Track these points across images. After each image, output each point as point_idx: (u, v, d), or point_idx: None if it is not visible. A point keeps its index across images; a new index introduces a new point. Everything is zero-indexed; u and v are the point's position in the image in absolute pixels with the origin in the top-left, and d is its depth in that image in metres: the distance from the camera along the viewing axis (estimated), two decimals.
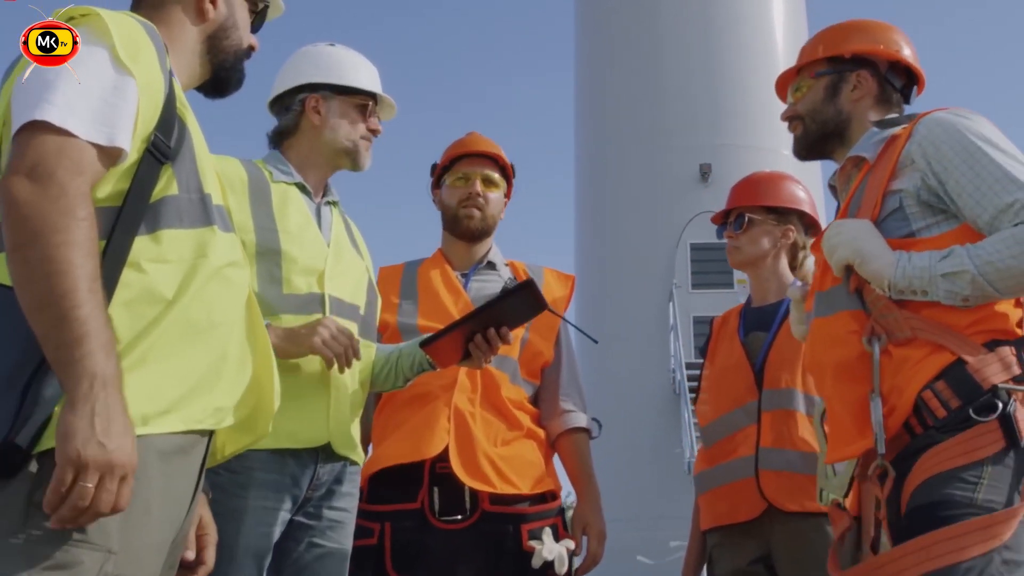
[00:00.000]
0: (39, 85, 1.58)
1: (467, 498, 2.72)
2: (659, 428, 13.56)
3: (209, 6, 1.92)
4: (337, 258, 2.52)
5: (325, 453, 2.39)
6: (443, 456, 2.72)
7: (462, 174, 3.03)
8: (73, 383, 1.42)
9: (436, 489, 2.72)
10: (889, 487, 2.05)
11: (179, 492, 1.66)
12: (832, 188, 2.43)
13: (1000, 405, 1.94)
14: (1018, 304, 2.05)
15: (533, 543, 2.70)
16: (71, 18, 1.68)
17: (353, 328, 2.45)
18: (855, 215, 2.18)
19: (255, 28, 2.07)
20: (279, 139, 2.65)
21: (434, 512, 2.71)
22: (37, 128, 1.53)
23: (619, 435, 13.59)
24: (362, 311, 2.56)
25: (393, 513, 2.71)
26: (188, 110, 1.80)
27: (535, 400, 2.99)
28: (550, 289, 3.05)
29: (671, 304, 13.93)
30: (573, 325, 2.99)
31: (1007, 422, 1.93)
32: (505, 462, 2.76)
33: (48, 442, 1.45)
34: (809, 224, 3.17)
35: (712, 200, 14.48)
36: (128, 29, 1.69)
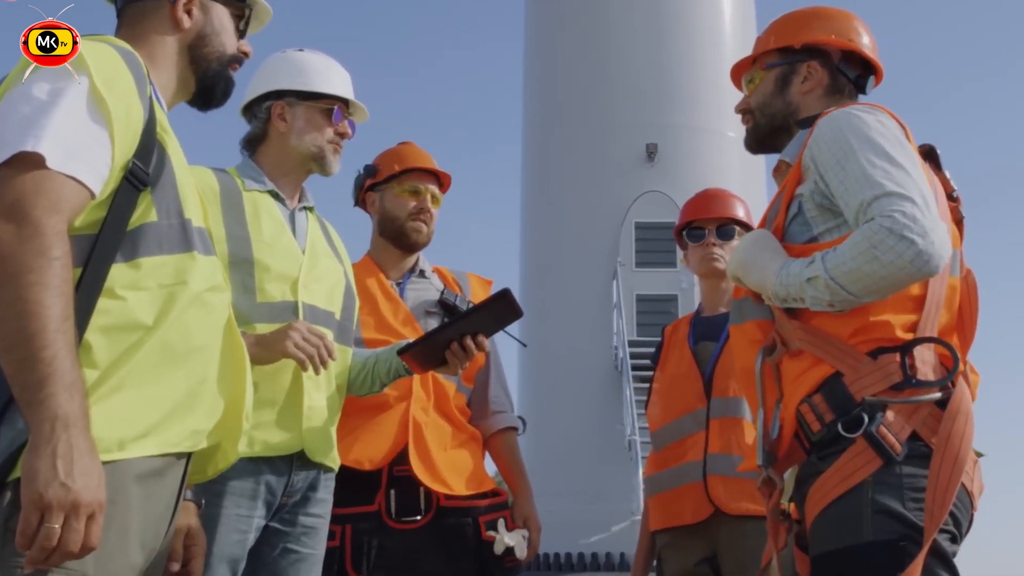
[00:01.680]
0: (17, 117, 1.59)
1: (422, 499, 2.83)
2: (601, 404, 13.68)
3: (183, 15, 1.92)
4: (312, 264, 2.54)
5: (300, 460, 2.43)
6: (399, 460, 2.82)
7: (411, 187, 3.09)
8: (36, 424, 1.45)
9: (393, 492, 2.82)
10: (776, 498, 2.07)
11: (157, 512, 1.69)
12: None
13: (865, 420, 1.89)
14: (914, 309, 1.98)
15: (492, 532, 2.84)
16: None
17: (329, 335, 2.48)
18: (771, 220, 2.17)
19: (243, 33, 2.07)
20: (250, 146, 2.67)
21: (391, 514, 2.81)
22: (15, 163, 1.55)
23: (561, 411, 13.71)
24: (338, 316, 2.59)
25: (352, 516, 2.80)
26: (169, 135, 1.81)
27: (470, 403, 3.10)
28: (475, 293, 3.16)
29: (615, 282, 14.04)
30: (508, 333, 3.02)
31: (872, 438, 1.88)
32: (453, 467, 2.88)
33: (19, 471, 1.48)
34: None
35: (657, 179, 14.61)
36: (105, 59, 1.69)
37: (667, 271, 14.42)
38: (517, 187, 16.88)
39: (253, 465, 2.34)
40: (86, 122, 1.63)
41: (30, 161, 1.55)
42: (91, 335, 1.59)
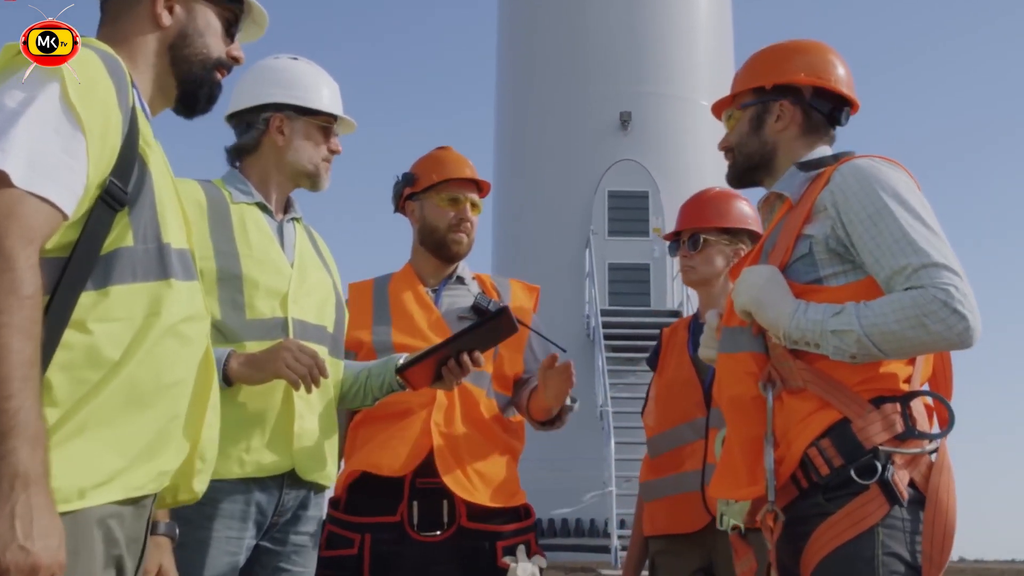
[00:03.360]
0: None
1: (445, 513, 2.79)
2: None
3: (164, 12, 1.80)
4: (301, 278, 2.50)
5: (291, 479, 2.40)
6: (423, 471, 2.77)
7: (451, 196, 3.03)
8: None
9: (416, 504, 2.78)
10: (779, 531, 2.12)
11: (122, 554, 1.61)
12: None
13: (879, 468, 1.99)
14: (911, 362, 2.07)
15: (507, 559, 2.78)
16: (20, 52, 1.57)
17: (323, 351, 2.45)
18: (769, 253, 2.21)
19: (233, 37, 1.93)
20: (238, 155, 2.61)
21: (413, 526, 2.77)
22: None
23: None
24: (330, 330, 2.55)
25: (373, 525, 2.77)
26: (152, 148, 1.69)
27: (506, 408, 3.02)
28: (517, 299, 3.10)
29: (588, 251, 14.03)
30: (541, 335, 3.04)
31: (886, 486, 1.98)
32: (481, 477, 2.82)
33: None
34: (757, 240, 3.23)
35: (631, 148, 14.60)
36: (82, 67, 1.57)
37: (640, 240, 14.45)
38: (490, 156, 16.82)
39: (244, 486, 2.31)
40: (59, 136, 1.51)
41: (1, 177, 1.44)
42: (52, 372, 1.49)
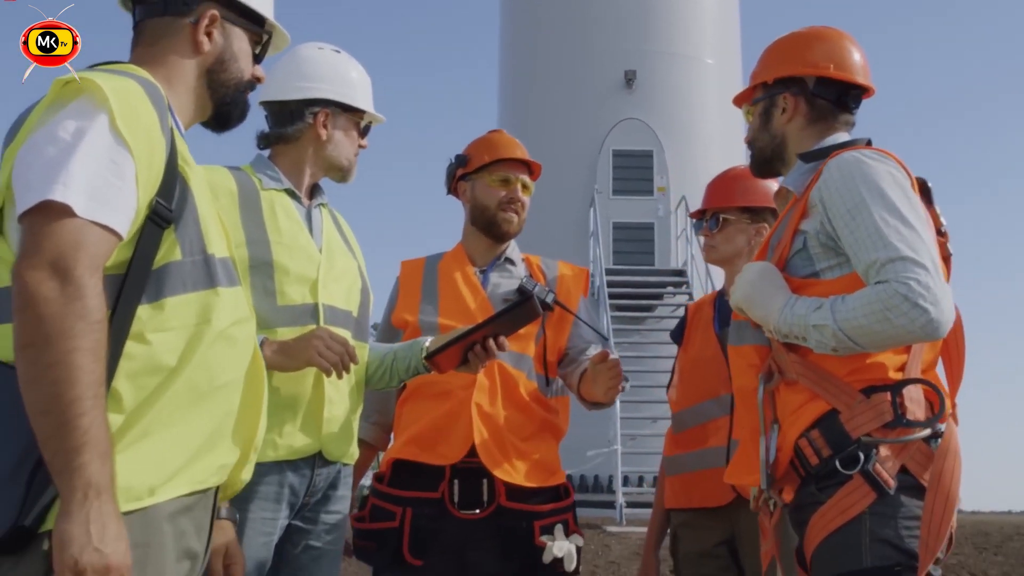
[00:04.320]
0: (43, 161, 1.57)
1: (485, 492, 2.85)
2: None
3: (204, 38, 1.89)
4: (330, 264, 2.55)
5: (321, 459, 2.48)
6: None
7: (502, 177, 3.07)
8: (69, 491, 1.47)
9: (456, 481, 2.84)
10: (777, 517, 2.21)
11: (192, 545, 1.73)
12: None
13: (862, 458, 2.03)
14: (904, 350, 2.11)
15: (545, 538, 2.83)
16: (68, 82, 1.65)
17: (347, 335, 2.50)
18: (774, 247, 2.27)
19: (259, 59, 2.04)
20: (271, 142, 2.65)
21: (453, 503, 2.84)
22: (52, 212, 1.53)
23: None
24: (355, 314, 2.61)
25: (415, 500, 2.83)
26: (190, 165, 1.78)
27: (548, 388, 3.05)
28: (564, 282, 3.13)
29: (592, 210, 14.02)
30: (583, 321, 3.06)
31: (869, 475, 2.02)
32: (522, 456, 2.88)
33: (53, 523, 1.50)
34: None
35: (635, 107, 14.53)
36: (126, 97, 1.66)
37: (644, 199, 14.44)
38: (494, 115, 16.75)
39: (277, 468, 2.38)
40: (111, 164, 1.60)
41: (62, 210, 1.53)
42: (118, 382, 1.60)
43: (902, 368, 2.10)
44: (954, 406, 2.17)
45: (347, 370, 2.38)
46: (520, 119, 15.49)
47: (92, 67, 1.77)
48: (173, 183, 1.71)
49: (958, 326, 2.22)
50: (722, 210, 3.20)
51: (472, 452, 2.82)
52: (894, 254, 2.01)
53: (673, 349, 11.67)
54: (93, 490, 1.47)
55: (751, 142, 2.48)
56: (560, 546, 2.83)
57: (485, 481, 2.84)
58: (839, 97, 2.38)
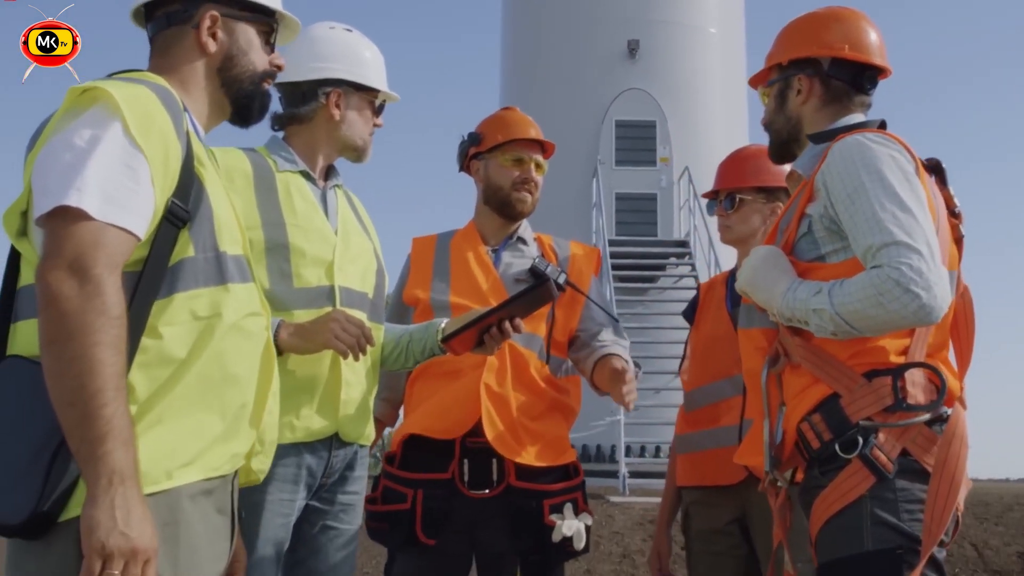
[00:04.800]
0: (60, 166, 1.64)
1: (494, 472, 2.86)
2: None
3: (208, 39, 1.95)
4: (345, 246, 2.56)
5: (338, 441, 2.49)
6: (473, 431, 2.85)
7: (515, 156, 3.07)
8: (94, 478, 1.53)
9: (466, 462, 2.86)
10: (782, 499, 2.23)
11: (218, 526, 1.80)
12: None
13: (860, 442, 2.04)
14: (907, 334, 2.10)
15: (554, 517, 2.85)
16: (84, 91, 1.71)
17: (363, 317, 2.51)
18: (783, 231, 2.27)
19: (273, 47, 2.08)
20: (285, 123, 2.65)
21: (464, 483, 2.86)
22: (69, 216, 1.60)
23: None
24: (371, 296, 2.61)
25: (425, 481, 2.85)
26: (206, 166, 1.84)
27: (557, 372, 3.07)
28: (575, 260, 3.14)
29: (595, 180, 13.98)
30: (594, 302, 3.07)
31: (867, 459, 2.03)
32: (531, 436, 2.89)
33: (74, 510, 1.58)
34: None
35: (639, 77, 14.45)
36: (140, 104, 1.72)
37: (647, 169, 14.39)
38: (496, 85, 16.68)
39: (295, 450, 2.40)
40: (125, 169, 1.66)
41: (79, 214, 1.60)
42: (132, 374, 1.66)
43: (904, 351, 2.10)
44: (962, 389, 2.17)
45: (364, 352, 2.39)
46: (523, 89, 15.42)
47: (111, 76, 1.84)
48: (189, 184, 1.77)
49: (968, 307, 2.22)
50: (737, 190, 3.19)
51: (480, 431, 2.83)
52: (888, 239, 2.01)
53: (676, 320, 11.68)
54: (117, 476, 1.54)
55: (768, 124, 2.47)
56: (569, 525, 2.85)
57: (495, 461, 2.86)
58: (854, 78, 2.36)
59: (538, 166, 3.10)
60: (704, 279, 13.17)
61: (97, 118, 1.68)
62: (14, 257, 1.76)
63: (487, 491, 2.86)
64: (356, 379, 2.52)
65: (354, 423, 2.51)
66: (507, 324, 2.55)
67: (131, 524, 1.53)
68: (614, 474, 11.37)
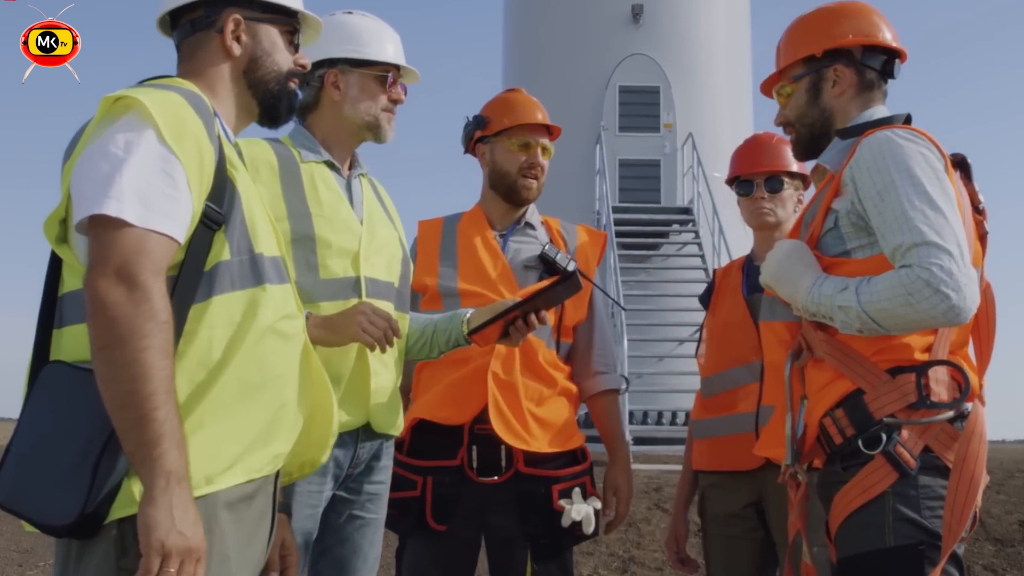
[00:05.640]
0: (97, 174, 1.67)
1: (503, 457, 2.88)
2: None
3: (233, 43, 1.99)
4: (371, 236, 2.54)
5: (366, 432, 2.50)
6: (481, 417, 2.86)
7: (522, 141, 3.06)
8: (151, 479, 1.59)
9: (475, 448, 2.88)
10: (803, 492, 2.24)
11: (253, 532, 1.83)
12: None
13: (884, 439, 2.06)
14: (931, 331, 2.10)
15: (563, 502, 2.88)
16: (117, 99, 1.73)
17: (389, 307, 2.51)
18: (807, 224, 2.27)
19: (298, 47, 2.11)
20: (301, 113, 2.63)
21: (472, 469, 2.88)
22: (111, 225, 1.64)
23: None
24: (397, 285, 2.60)
25: (434, 468, 2.87)
26: (237, 168, 1.87)
27: (567, 357, 3.09)
28: (583, 247, 3.14)
29: (598, 147, 13.92)
30: (603, 291, 3.09)
31: (890, 456, 2.05)
32: (540, 423, 2.91)
33: (121, 510, 1.63)
34: (808, 183, 3.24)
35: (642, 42, 14.36)
36: (172, 109, 1.75)
37: (650, 136, 14.33)
38: (499, 50, 16.58)
39: None
40: (162, 175, 1.69)
41: (121, 222, 1.63)
42: None
43: (928, 349, 2.11)
44: (981, 386, 2.18)
45: (391, 344, 2.39)
46: (527, 54, 15.34)
47: (141, 83, 1.87)
48: (223, 187, 1.80)
49: (990, 304, 2.22)
50: (781, 173, 3.17)
51: (488, 418, 2.84)
52: (919, 238, 2.00)
53: (680, 287, 11.71)
54: (174, 477, 1.59)
55: (795, 121, 2.42)
56: (579, 509, 2.88)
57: (503, 447, 2.87)
58: (884, 65, 2.36)
59: (544, 150, 3.09)
60: (708, 246, 13.22)
61: (131, 125, 1.71)
62: (54, 264, 1.79)
63: (496, 477, 2.88)
64: (384, 369, 2.52)
65: (386, 413, 2.52)
66: (532, 316, 2.55)
67: (187, 524, 1.59)
68: None
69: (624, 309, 3.05)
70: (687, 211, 13.94)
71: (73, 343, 1.70)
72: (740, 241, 12.78)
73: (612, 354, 3.22)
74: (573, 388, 3.06)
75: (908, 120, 2.32)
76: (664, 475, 8.41)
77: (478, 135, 3.13)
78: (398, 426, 2.60)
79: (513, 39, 16.01)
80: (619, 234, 12.99)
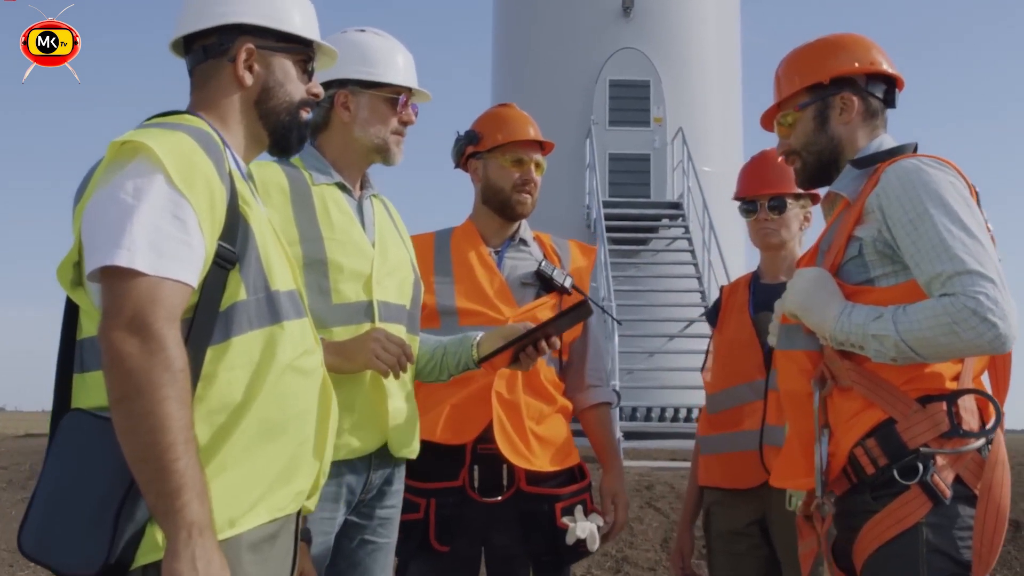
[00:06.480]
0: (108, 221, 1.65)
1: (504, 477, 2.89)
2: None
3: (245, 73, 1.96)
4: (383, 259, 2.52)
5: (378, 457, 2.48)
6: (483, 437, 2.86)
7: (515, 157, 3.05)
8: (174, 531, 1.58)
9: (477, 468, 2.88)
10: (828, 523, 2.22)
11: (277, 571, 1.83)
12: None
13: (920, 469, 2.05)
14: (959, 360, 2.10)
15: (566, 520, 2.89)
16: (124, 143, 1.71)
17: (401, 330, 2.50)
18: (824, 252, 2.27)
19: (311, 75, 2.08)
20: (313, 133, 2.60)
21: (475, 490, 2.88)
22: (125, 275, 1.62)
23: None
24: (408, 307, 2.59)
25: (437, 491, 2.87)
26: (250, 205, 1.85)
27: (560, 370, 3.11)
28: (575, 262, 3.15)
29: (588, 141, 13.89)
30: (599, 306, 3.07)
31: (927, 486, 2.04)
32: (540, 441, 2.92)
33: (145, 556, 1.62)
34: (816, 201, 3.26)
35: (633, 36, 14.32)
36: (180, 151, 1.73)
37: (641, 130, 14.30)
38: (489, 44, 16.50)
39: (335, 468, 2.36)
40: (173, 220, 1.68)
41: (133, 272, 1.62)
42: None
43: (956, 377, 2.12)
44: (1002, 414, 2.18)
45: (404, 370, 2.38)
46: (517, 48, 15.29)
47: (150, 119, 1.85)
48: (235, 225, 1.79)
49: None
50: (785, 195, 3.18)
51: (490, 437, 2.85)
52: (960, 267, 2.00)
53: (669, 283, 11.70)
54: (196, 528, 1.58)
55: (800, 150, 2.41)
56: (583, 527, 2.90)
57: (505, 467, 2.88)
58: (886, 94, 2.38)
59: (538, 165, 3.08)
60: (697, 241, 13.20)
61: (140, 171, 1.69)
62: (70, 308, 1.78)
63: (499, 497, 2.88)
64: (398, 389, 2.50)
65: (402, 435, 2.51)
66: (543, 342, 2.55)
67: (212, 575, 1.58)
68: None
69: (619, 323, 3.10)
70: (677, 206, 13.92)
71: (98, 390, 1.68)
72: (730, 236, 12.77)
73: (605, 368, 3.25)
74: (569, 405, 3.07)
75: (915, 149, 2.32)
76: (655, 472, 8.42)
77: (470, 151, 3.11)
78: (414, 448, 2.59)
79: (503, 33, 15.95)
80: (609, 228, 12.97)
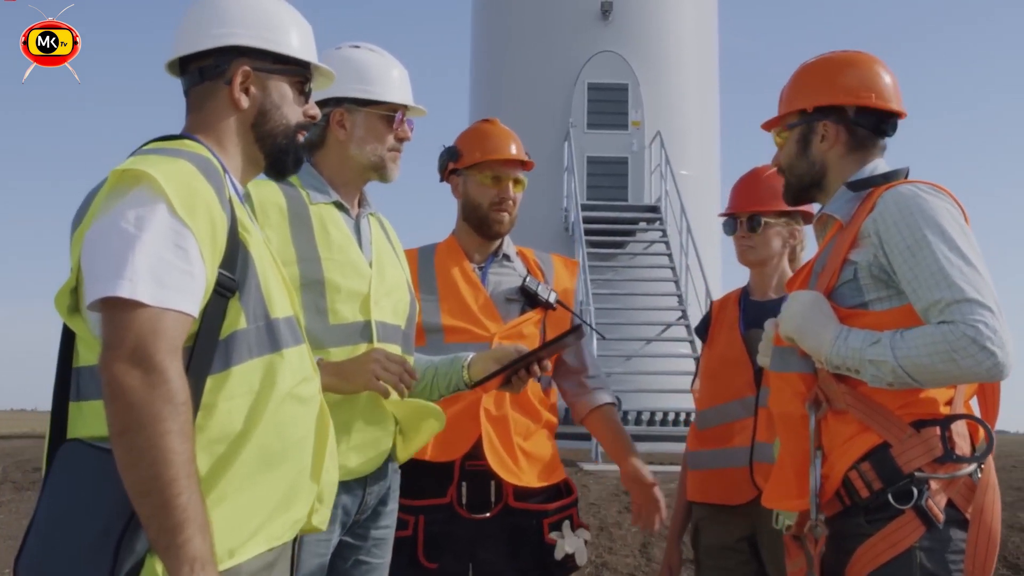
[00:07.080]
0: (109, 251, 1.63)
1: (492, 494, 2.90)
2: None
3: (241, 95, 1.94)
4: (380, 278, 2.51)
5: (374, 477, 2.48)
6: (471, 454, 2.87)
7: (494, 175, 3.04)
8: (176, 567, 1.56)
9: (465, 484, 2.88)
10: (822, 545, 2.23)
11: None
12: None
13: (915, 493, 2.07)
14: (953, 385, 2.12)
15: (554, 535, 2.91)
16: (125, 171, 1.69)
17: (396, 350, 2.48)
18: (818, 274, 2.28)
19: (308, 97, 2.06)
20: (309, 151, 2.57)
21: (463, 506, 2.89)
22: (126, 306, 1.60)
23: None
24: (403, 328, 2.58)
25: (426, 508, 2.88)
26: (250, 231, 1.83)
27: (547, 387, 3.12)
28: (560, 278, 3.15)
29: (566, 144, 13.89)
30: (585, 322, 3.08)
31: (921, 510, 2.06)
32: (528, 457, 2.94)
33: None
34: (809, 220, 3.26)
35: (611, 39, 14.33)
36: (182, 179, 1.71)
37: (619, 133, 14.33)
38: (467, 46, 16.48)
39: None
40: (175, 249, 1.66)
41: (134, 304, 1.60)
42: None
43: (949, 402, 2.14)
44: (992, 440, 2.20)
45: (409, 388, 2.38)
46: (495, 51, 15.28)
47: (148, 143, 1.83)
48: (236, 253, 1.77)
49: None
50: (761, 213, 3.19)
51: (478, 454, 2.86)
52: (959, 295, 2.01)
53: (646, 286, 11.69)
54: (199, 564, 1.57)
55: (786, 167, 2.45)
56: (571, 542, 2.92)
57: (493, 483, 2.89)
58: (877, 125, 2.37)
59: (516, 183, 3.07)
60: (675, 245, 13.22)
61: (142, 200, 1.67)
62: (67, 335, 1.76)
63: (487, 513, 2.89)
64: (395, 395, 2.48)
65: (409, 447, 2.53)
66: (535, 366, 2.57)
67: None
68: (586, 437, 11.38)
69: (604, 338, 3.13)
70: (655, 209, 13.95)
71: (96, 419, 1.67)
72: (707, 240, 12.79)
73: (603, 374, 3.26)
74: (554, 420, 3.08)
75: (906, 174, 2.33)
76: None
77: (451, 166, 3.10)
78: (418, 443, 2.59)
79: (482, 35, 15.93)
80: (587, 232, 12.98)
